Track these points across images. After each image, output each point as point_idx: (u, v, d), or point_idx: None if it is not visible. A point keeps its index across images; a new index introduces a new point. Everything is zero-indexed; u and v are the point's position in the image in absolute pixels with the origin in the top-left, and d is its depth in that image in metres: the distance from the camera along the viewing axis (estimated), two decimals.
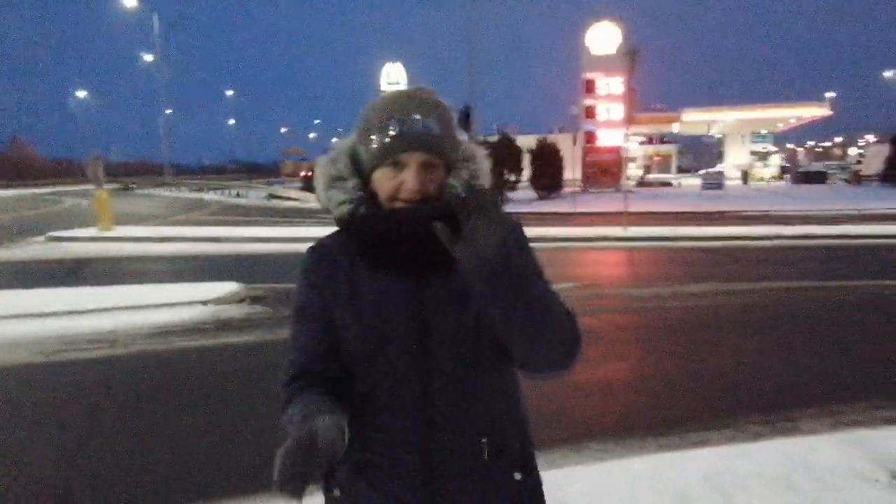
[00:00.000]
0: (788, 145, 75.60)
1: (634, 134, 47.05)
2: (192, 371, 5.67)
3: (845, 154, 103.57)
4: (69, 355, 6.14)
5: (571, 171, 32.74)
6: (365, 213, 1.20)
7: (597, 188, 35.51)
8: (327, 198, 1.24)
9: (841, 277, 9.98)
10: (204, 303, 8.01)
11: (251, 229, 17.81)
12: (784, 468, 3.39)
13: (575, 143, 28.07)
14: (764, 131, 56.98)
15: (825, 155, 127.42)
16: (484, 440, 1.24)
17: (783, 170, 51.92)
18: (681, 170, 71.04)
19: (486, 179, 1.26)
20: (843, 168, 59.78)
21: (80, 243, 15.45)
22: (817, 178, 45.67)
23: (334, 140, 1.32)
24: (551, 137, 35.35)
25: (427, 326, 1.20)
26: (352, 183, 1.22)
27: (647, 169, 58.17)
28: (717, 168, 51.80)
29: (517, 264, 1.09)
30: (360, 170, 1.23)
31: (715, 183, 36.91)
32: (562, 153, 30.88)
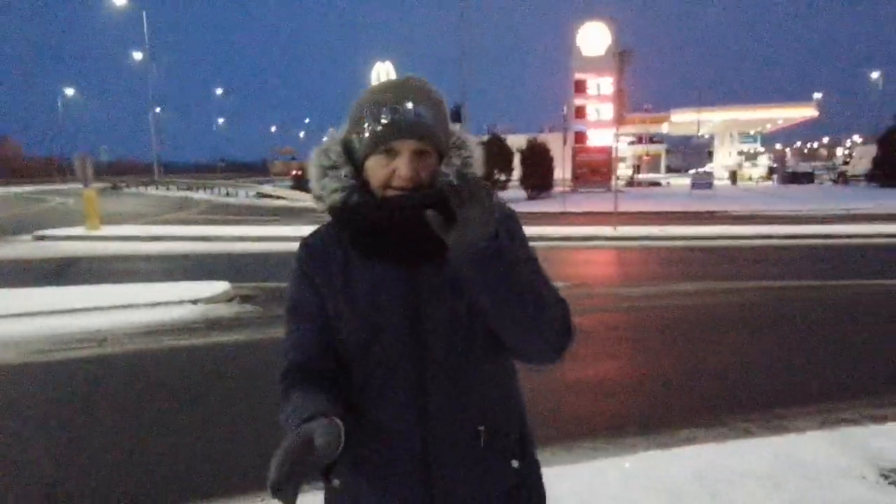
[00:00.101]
0: (777, 146, 76.11)
1: (624, 134, 47.21)
2: (181, 370, 5.64)
3: (832, 154, 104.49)
4: (58, 355, 6.09)
5: (562, 171, 32.80)
6: (357, 201, 1.20)
7: (587, 188, 35.62)
8: (320, 186, 1.24)
9: (829, 277, 10.06)
10: (193, 302, 7.97)
11: (241, 228, 17.74)
12: (773, 466, 3.41)
13: (565, 142, 28.09)
14: (752, 132, 57.44)
15: (812, 155, 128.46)
16: (480, 428, 1.25)
17: (771, 170, 52.28)
18: (670, 170, 71.49)
19: (478, 167, 1.26)
20: (830, 168, 60.29)
21: (68, 242, 15.34)
22: (805, 178, 46.05)
23: (330, 131, 1.32)
24: (541, 137, 35.44)
25: (420, 315, 1.20)
26: (344, 171, 1.22)
27: (637, 169, 58.42)
28: (706, 168, 52.11)
29: (509, 253, 1.10)
30: (353, 159, 1.23)
31: (704, 183, 37.11)
32: (552, 153, 30.95)
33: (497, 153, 27.88)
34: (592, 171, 36.55)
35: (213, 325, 7.12)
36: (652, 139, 66.27)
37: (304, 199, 31.45)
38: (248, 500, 3.35)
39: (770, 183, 47.55)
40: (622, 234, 15.46)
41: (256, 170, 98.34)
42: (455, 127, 1.28)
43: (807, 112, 50.98)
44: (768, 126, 57.07)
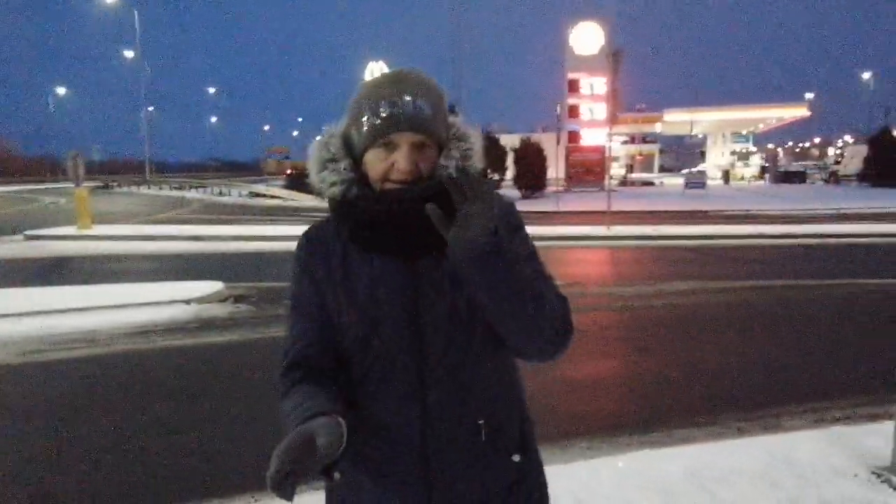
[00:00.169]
0: (769, 146, 76.45)
1: (617, 133, 47.32)
2: (174, 370, 5.61)
3: (823, 154, 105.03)
4: (49, 355, 6.06)
5: (555, 171, 32.85)
6: (356, 195, 1.20)
7: (580, 187, 35.67)
8: (319, 179, 1.24)
9: (822, 276, 10.12)
10: (186, 302, 7.94)
11: (234, 228, 17.69)
12: (766, 464, 3.43)
13: (558, 142, 28.14)
14: (744, 131, 57.62)
15: (804, 155, 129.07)
16: (480, 422, 1.24)
17: (763, 170, 52.51)
18: (663, 169, 71.59)
19: (478, 159, 1.25)
20: (821, 168, 60.62)
21: (59, 242, 15.25)
22: (797, 177, 46.30)
23: (324, 128, 1.32)
24: (535, 137, 35.47)
25: (419, 308, 1.20)
26: (344, 164, 1.22)
27: (630, 168, 58.57)
28: (699, 168, 52.28)
29: (508, 251, 1.10)
30: (353, 152, 1.23)
31: (697, 182, 37.20)
32: (545, 152, 31.00)
33: (491, 153, 27.91)
34: (586, 170, 36.59)
35: (206, 324, 7.09)
36: (645, 139, 66.44)
37: (297, 199, 31.40)
38: (242, 499, 3.34)
39: (762, 182, 47.75)
40: (616, 233, 15.50)
41: (250, 169, 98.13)
42: (456, 118, 1.27)
43: (799, 112, 51.19)
44: (761, 126, 57.28)
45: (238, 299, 8.31)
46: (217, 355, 6.07)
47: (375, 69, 42.66)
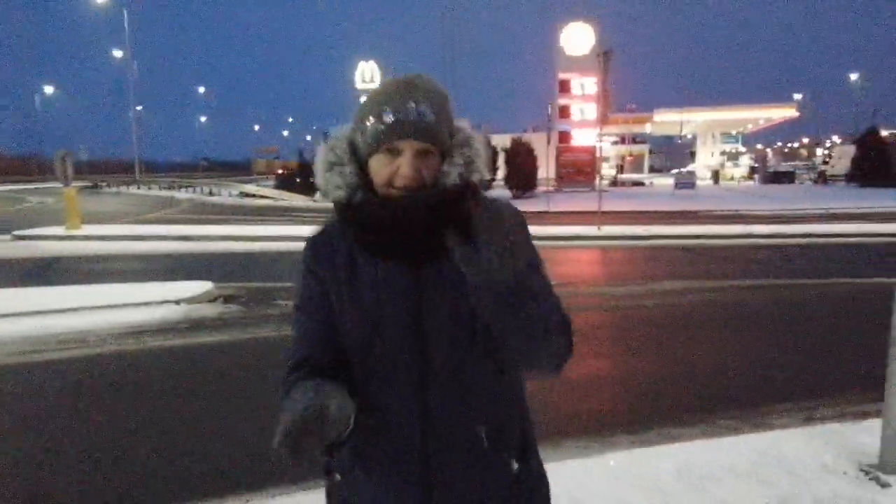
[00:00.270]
0: (758, 146, 76.97)
1: (607, 134, 47.49)
2: (164, 371, 5.58)
3: (812, 154, 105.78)
4: (38, 356, 6.01)
5: (546, 171, 32.91)
6: (361, 200, 1.20)
7: (570, 187, 35.76)
8: (325, 182, 1.25)
9: (811, 275, 10.19)
10: (176, 302, 7.90)
11: (224, 227, 17.60)
12: (757, 462, 3.45)
13: (549, 142, 28.21)
14: (734, 132, 57.98)
15: (792, 155, 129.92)
16: (481, 428, 1.25)
17: (753, 170, 52.83)
18: (653, 169, 71.89)
19: (483, 167, 1.25)
20: (810, 168, 61.08)
21: (48, 242, 15.14)
22: (786, 178, 46.62)
23: (331, 131, 1.32)
24: (526, 137, 35.52)
25: (422, 312, 1.21)
26: (349, 169, 1.23)
27: (620, 168, 58.78)
28: (689, 168, 52.54)
29: (527, 286, 1.10)
30: (359, 156, 1.24)
31: (687, 182, 37.40)
32: (536, 152, 31.05)
33: None
34: (576, 170, 36.66)
35: (196, 325, 7.06)
36: (635, 139, 66.69)
37: (287, 198, 31.30)
38: (235, 499, 3.33)
39: (752, 183, 48.04)
40: (606, 233, 15.55)
41: (240, 169, 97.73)
42: (462, 123, 1.28)
43: (787, 112, 51.55)
44: (750, 126, 57.64)
45: (228, 299, 8.28)
46: (207, 355, 6.04)
47: (367, 69, 42.62)
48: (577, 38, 36.23)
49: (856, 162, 37.49)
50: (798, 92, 65.47)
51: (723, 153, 57.62)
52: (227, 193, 37.37)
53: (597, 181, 21.40)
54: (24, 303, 7.65)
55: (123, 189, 44.64)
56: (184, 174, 64.62)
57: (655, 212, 22.49)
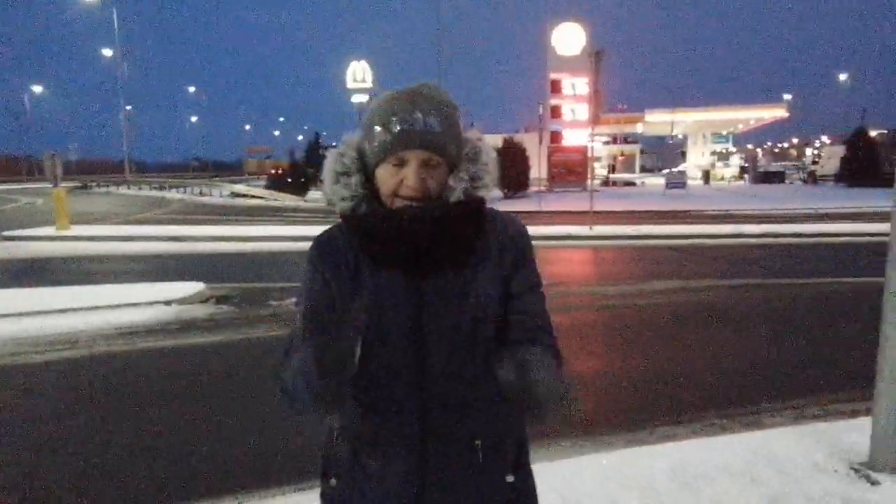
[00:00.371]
0: (748, 146, 77.36)
1: (599, 134, 47.61)
2: (155, 372, 5.55)
3: (801, 154, 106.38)
4: (28, 358, 5.97)
5: (538, 171, 32.97)
6: (365, 211, 1.21)
7: (562, 187, 35.84)
8: (332, 192, 1.25)
9: (801, 274, 10.25)
10: (167, 303, 7.86)
11: (215, 228, 17.52)
12: (748, 461, 3.46)
13: (541, 142, 28.27)
14: (724, 132, 58.28)
15: (782, 155, 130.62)
16: (478, 441, 1.25)
17: (743, 170, 53.12)
18: (644, 169, 72.17)
19: (491, 180, 1.26)
20: (800, 168, 61.46)
21: (37, 243, 15.03)
22: (776, 178, 46.92)
23: (340, 138, 1.32)
24: (517, 137, 35.59)
25: (423, 323, 1.21)
26: (355, 179, 1.23)
27: (612, 168, 58.98)
28: (680, 168, 52.74)
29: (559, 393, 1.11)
30: (366, 165, 1.24)
31: (678, 182, 37.54)
32: (528, 152, 31.10)
33: None
34: (568, 170, 36.76)
35: (187, 326, 7.03)
36: (627, 139, 66.93)
37: (279, 199, 31.20)
38: (227, 500, 3.31)
39: (742, 182, 48.30)
40: (598, 233, 15.59)
41: (231, 168, 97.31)
42: (473, 134, 1.28)
43: (777, 113, 51.90)
44: (740, 126, 57.99)
45: (220, 300, 8.24)
46: (199, 356, 6.01)
47: (358, 69, 42.56)
48: (569, 38, 36.30)
49: (845, 162, 37.79)
50: (788, 92, 65.88)
51: (713, 153, 57.92)
52: (219, 193, 37.21)
53: (588, 181, 21.39)
54: (13, 304, 7.58)
55: (113, 189, 44.37)
56: (174, 174, 64.31)
57: (647, 211, 22.57)
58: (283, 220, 19.98)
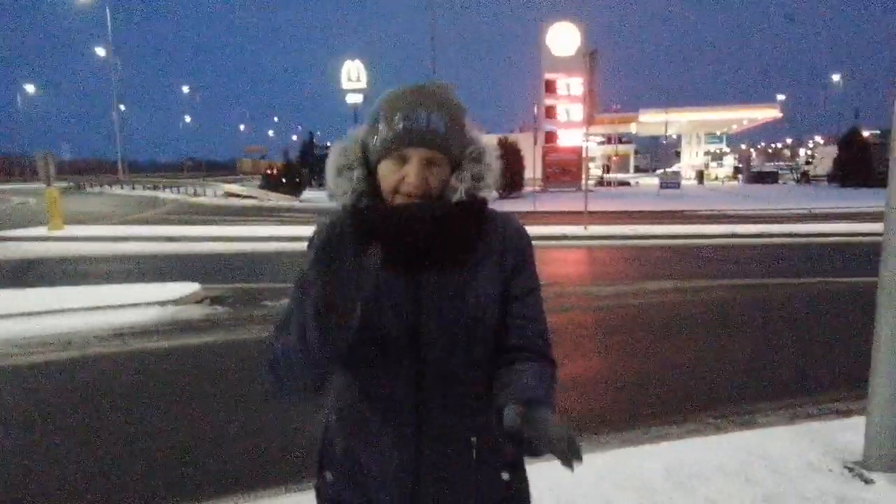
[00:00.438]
0: (742, 146, 77.60)
1: (593, 134, 47.66)
2: (150, 373, 5.53)
3: (795, 155, 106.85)
4: (21, 359, 5.94)
5: (532, 171, 32.99)
6: (367, 206, 1.21)
7: (557, 187, 35.87)
8: (334, 185, 1.25)
9: (794, 274, 10.29)
10: (162, 304, 7.83)
11: (210, 228, 17.47)
12: (743, 461, 3.47)
13: (535, 142, 28.29)
14: (718, 132, 58.44)
15: (776, 155, 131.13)
16: (473, 439, 1.25)
17: (737, 170, 53.31)
18: (638, 169, 72.32)
19: (493, 181, 1.26)
20: (793, 169, 61.74)
21: (30, 243, 14.95)
22: (769, 178, 47.14)
23: (334, 138, 1.32)
24: (512, 137, 35.59)
25: (421, 319, 1.21)
26: (357, 173, 1.23)
27: (607, 168, 59.09)
28: (674, 168, 52.89)
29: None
30: (370, 160, 1.24)
31: (672, 182, 37.66)
32: (522, 153, 31.12)
33: None
34: (562, 170, 36.80)
35: (182, 327, 7.00)
36: (621, 139, 67.04)
37: (273, 199, 31.12)
38: (222, 500, 3.30)
39: (736, 183, 48.47)
40: (593, 233, 15.61)
41: (226, 168, 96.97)
42: (476, 135, 1.28)
43: (771, 113, 52.06)
44: (734, 127, 58.15)
45: (215, 301, 8.22)
46: (194, 357, 6.00)
47: (352, 68, 42.46)
48: (563, 38, 36.32)
49: (838, 162, 37.98)
50: (782, 93, 66.11)
51: (707, 153, 58.09)
52: (213, 193, 37.09)
53: (583, 181, 21.42)
54: (6, 305, 7.54)
55: (107, 189, 44.18)
56: (168, 174, 64.10)
57: (641, 212, 22.63)
58: (278, 221, 19.93)
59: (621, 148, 68.46)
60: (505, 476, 1.30)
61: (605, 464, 3.50)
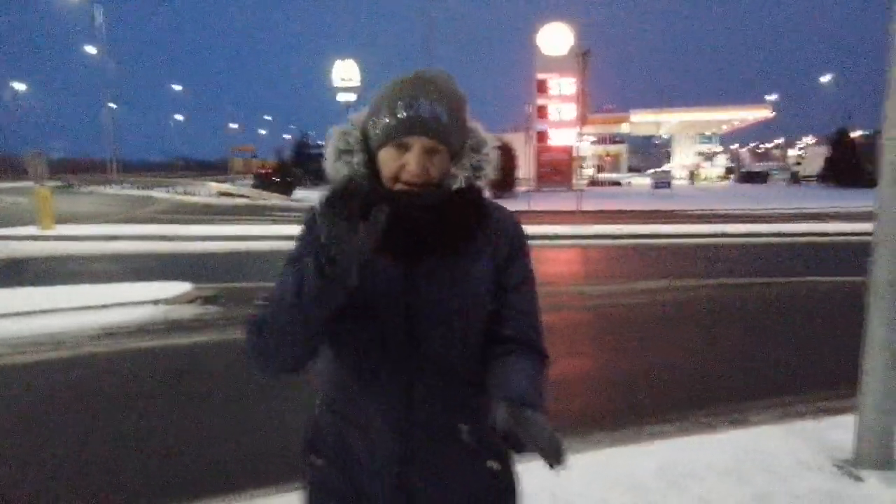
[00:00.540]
0: (732, 146, 78.03)
1: (586, 134, 47.78)
2: (142, 373, 5.51)
3: (785, 155, 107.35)
4: (12, 359, 5.90)
5: (525, 171, 33.04)
6: (366, 191, 1.20)
7: (549, 187, 35.94)
8: (334, 170, 1.25)
9: (785, 273, 10.35)
10: (153, 303, 7.80)
11: (201, 227, 17.39)
12: (735, 459, 3.50)
13: (527, 142, 28.37)
14: (709, 132, 58.67)
15: (766, 156, 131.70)
16: (463, 426, 1.26)
17: (728, 170, 53.55)
18: (630, 169, 72.48)
19: (492, 171, 1.27)
20: (784, 169, 62.08)
21: (20, 242, 14.83)
22: (760, 178, 47.44)
23: (348, 117, 1.31)
24: (505, 136, 35.63)
25: (414, 305, 1.21)
26: (357, 158, 1.23)
27: (600, 168, 59.23)
28: (665, 167, 53.07)
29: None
30: (370, 146, 1.24)
31: (664, 182, 37.83)
32: (515, 152, 31.16)
33: None
34: (555, 170, 36.87)
35: (174, 326, 6.98)
36: (613, 139, 67.20)
37: (266, 198, 31.02)
38: (214, 500, 3.30)
39: (727, 182, 48.70)
40: (585, 232, 15.65)
41: (217, 168, 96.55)
42: (476, 125, 1.29)
43: (762, 113, 52.30)
44: (725, 127, 58.37)
45: (206, 300, 8.19)
46: (186, 357, 5.97)
47: (344, 67, 42.35)
48: (555, 38, 36.39)
49: (828, 163, 38.23)
50: (773, 93, 66.46)
51: (699, 153, 58.32)
52: (206, 193, 36.94)
53: (574, 181, 21.47)
54: None
55: (98, 189, 43.93)
56: (160, 173, 63.79)
57: (633, 211, 22.70)
58: (271, 220, 19.88)
59: (613, 148, 68.60)
60: (492, 465, 1.31)
61: (598, 462, 3.52)
